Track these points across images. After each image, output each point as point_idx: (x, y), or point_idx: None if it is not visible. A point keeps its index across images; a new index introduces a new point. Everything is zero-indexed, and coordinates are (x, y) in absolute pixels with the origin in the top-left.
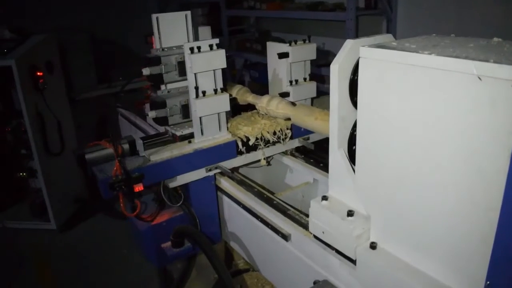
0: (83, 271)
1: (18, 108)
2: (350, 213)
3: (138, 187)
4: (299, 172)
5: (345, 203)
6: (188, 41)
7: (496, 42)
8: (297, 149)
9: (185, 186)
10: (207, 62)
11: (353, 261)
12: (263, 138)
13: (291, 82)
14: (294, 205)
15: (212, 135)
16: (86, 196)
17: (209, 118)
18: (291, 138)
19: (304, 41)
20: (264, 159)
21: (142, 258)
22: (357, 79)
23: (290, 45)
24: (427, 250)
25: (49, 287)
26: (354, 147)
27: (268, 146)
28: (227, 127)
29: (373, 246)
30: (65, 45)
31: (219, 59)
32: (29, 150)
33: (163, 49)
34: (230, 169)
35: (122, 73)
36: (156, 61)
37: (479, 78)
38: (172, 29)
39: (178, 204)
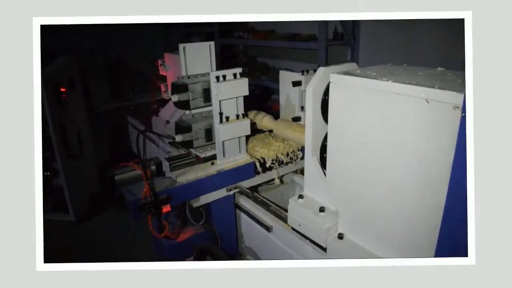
0: (98, 256)
1: (43, 119)
2: (321, 209)
3: (166, 208)
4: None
5: (317, 200)
6: (212, 70)
7: (440, 71)
8: None
9: (207, 205)
10: (232, 89)
11: (324, 249)
12: (277, 159)
13: (302, 107)
14: (274, 201)
15: (233, 157)
16: (100, 193)
17: (231, 141)
18: (302, 158)
19: (315, 70)
20: (278, 178)
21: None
22: (327, 99)
23: (302, 74)
24: (385, 241)
25: None
26: (325, 155)
27: (281, 166)
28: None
29: (340, 236)
30: (84, 65)
31: (242, 87)
32: (52, 153)
33: (188, 77)
34: (248, 188)
35: (132, 90)
36: (183, 88)
37: (427, 101)
38: (197, 58)
39: (201, 223)
